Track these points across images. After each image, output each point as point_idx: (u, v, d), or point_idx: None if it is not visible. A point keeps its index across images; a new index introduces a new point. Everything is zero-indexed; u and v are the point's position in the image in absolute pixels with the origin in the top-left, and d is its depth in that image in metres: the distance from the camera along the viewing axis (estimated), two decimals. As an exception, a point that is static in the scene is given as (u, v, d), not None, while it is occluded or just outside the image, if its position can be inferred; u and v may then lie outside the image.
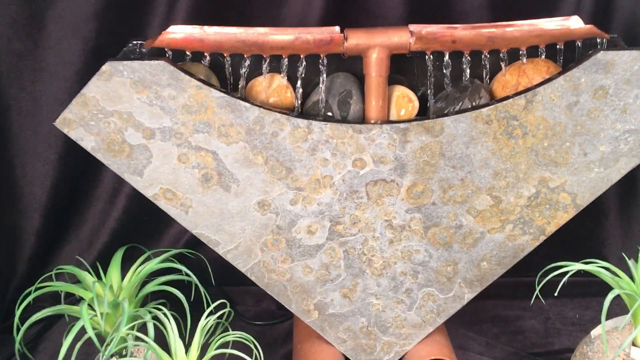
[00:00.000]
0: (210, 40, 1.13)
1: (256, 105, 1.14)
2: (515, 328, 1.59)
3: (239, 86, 1.20)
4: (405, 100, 1.24)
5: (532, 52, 1.20)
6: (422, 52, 1.19)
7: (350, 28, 1.18)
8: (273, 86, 1.24)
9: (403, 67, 1.30)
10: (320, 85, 1.20)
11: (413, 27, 1.19)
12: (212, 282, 1.48)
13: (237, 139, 1.16)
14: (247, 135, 1.16)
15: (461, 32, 1.15)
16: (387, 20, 1.45)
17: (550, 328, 1.59)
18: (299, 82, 1.21)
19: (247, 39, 1.14)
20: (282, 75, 1.20)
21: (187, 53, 1.16)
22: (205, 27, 1.18)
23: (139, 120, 1.14)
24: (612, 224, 1.69)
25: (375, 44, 1.16)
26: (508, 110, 1.16)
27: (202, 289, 1.24)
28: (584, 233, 1.69)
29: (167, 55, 1.18)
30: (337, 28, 1.21)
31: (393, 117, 1.24)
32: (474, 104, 1.20)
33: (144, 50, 1.18)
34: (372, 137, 1.17)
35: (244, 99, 1.15)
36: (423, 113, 1.28)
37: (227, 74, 1.20)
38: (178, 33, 1.13)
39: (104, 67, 1.10)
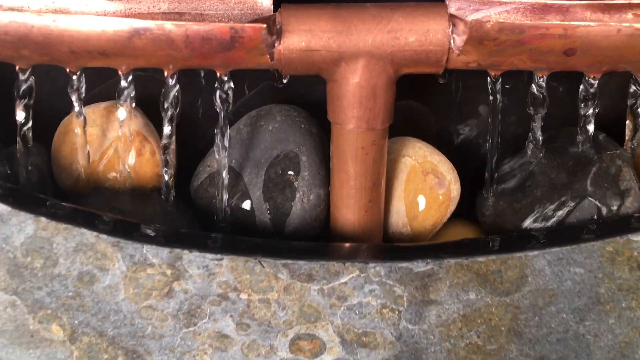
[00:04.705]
0: None
1: (32, 210, 0.43)
2: None
3: (21, 137, 0.49)
4: (429, 180, 0.52)
5: None
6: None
7: (293, 4, 0.45)
8: (109, 136, 0.52)
9: (423, 80, 0.58)
10: (218, 142, 0.49)
11: (458, 3, 0.47)
12: None
13: (-11, 285, 0.46)
14: (12, 279, 0.45)
15: (591, 28, 0.43)
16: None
17: None
18: (167, 127, 0.49)
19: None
20: (126, 108, 0.48)
21: None
22: None
23: None
24: None
25: (359, 50, 0.44)
26: (700, 239, 0.44)
27: None
28: None
29: None
30: (265, 2, 0.48)
31: (399, 220, 0.52)
32: (606, 208, 0.48)
33: None
34: (343, 290, 0.46)
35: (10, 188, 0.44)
36: (468, 201, 0.56)
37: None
38: None
39: None
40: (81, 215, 0.44)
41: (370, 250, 0.46)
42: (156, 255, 0.44)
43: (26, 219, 0.43)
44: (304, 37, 0.44)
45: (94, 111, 0.53)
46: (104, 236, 0.43)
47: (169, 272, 0.45)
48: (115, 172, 0.52)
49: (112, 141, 0.51)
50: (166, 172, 0.51)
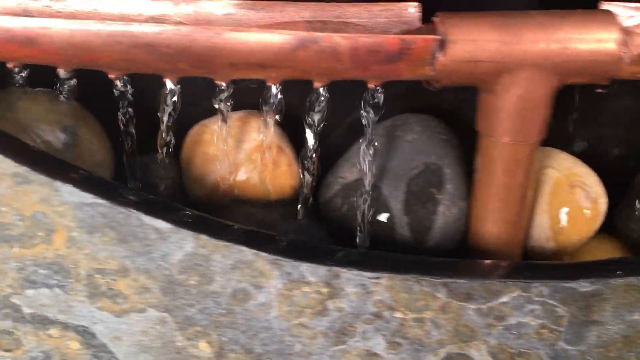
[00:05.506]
0: (55, 43, 0.40)
1: (193, 227, 0.42)
2: None
3: (160, 147, 0.48)
4: (576, 193, 0.50)
5: None
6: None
7: (451, 12, 0.44)
8: (245, 147, 0.51)
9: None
10: (364, 148, 0.47)
11: (614, 10, 0.44)
12: None
13: (141, 302, 0.45)
14: (165, 296, 0.44)
15: None
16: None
17: None
18: (310, 137, 0.48)
19: (162, 42, 0.41)
20: (267, 116, 0.47)
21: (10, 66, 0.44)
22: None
23: None
24: None
25: (525, 61, 0.42)
26: None
27: None
28: None
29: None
30: (412, 9, 0.46)
31: (542, 234, 0.51)
32: None
33: None
34: (502, 310, 0.44)
35: (159, 203, 0.43)
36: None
37: (122, 116, 0.47)
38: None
39: None
40: (241, 233, 0.42)
41: (533, 269, 0.44)
42: (314, 273, 0.43)
43: (186, 237, 0.42)
44: (469, 48, 0.42)
45: (226, 122, 0.51)
46: (264, 254, 0.42)
47: (324, 290, 0.44)
48: (251, 183, 0.51)
49: (248, 152, 0.50)
50: (306, 184, 0.50)
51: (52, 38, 0.40)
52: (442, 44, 0.42)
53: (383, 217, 0.50)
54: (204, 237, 0.42)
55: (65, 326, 0.45)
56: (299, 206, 0.52)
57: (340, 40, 0.40)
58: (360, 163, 0.48)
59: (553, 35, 0.42)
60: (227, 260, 0.43)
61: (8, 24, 0.40)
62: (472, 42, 0.42)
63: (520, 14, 0.43)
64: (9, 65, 0.43)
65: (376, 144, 0.47)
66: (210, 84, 0.47)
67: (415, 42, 0.40)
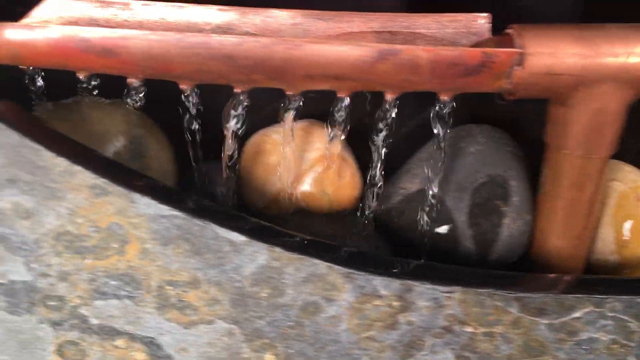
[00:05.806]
0: (133, 53, 0.40)
1: (268, 240, 0.42)
2: None
3: (225, 156, 0.47)
4: (640, 208, 0.50)
5: None
6: None
7: (524, 24, 0.43)
8: (308, 157, 0.51)
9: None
10: (433, 165, 0.47)
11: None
12: None
13: (210, 314, 0.44)
14: (234, 308, 0.44)
15: None
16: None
17: None
18: (378, 149, 0.48)
19: (240, 54, 0.40)
20: (333, 128, 0.47)
21: (80, 75, 0.43)
22: (132, 8, 0.45)
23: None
24: None
25: (604, 74, 0.42)
26: None
27: None
28: None
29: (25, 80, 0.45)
30: (482, 20, 0.46)
31: (606, 247, 0.50)
32: None
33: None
34: (574, 325, 0.44)
35: (234, 215, 0.42)
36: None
37: (187, 125, 0.47)
38: (39, 28, 0.40)
39: None
40: (315, 245, 0.42)
41: (606, 284, 0.44)
42: (387, 286, 0.43)
43: (260, 249, 0.41)
44: (547, 61, 0.41)
45: (291, 131, 0.51)
46: (337, 267, 0.42)
47: (396, 303, 0.43)
48: (314, 194, 0.50)
49: (312, 162, 0.50)
50: (370, 195, 0.49)
51: (130, 49, 0.39)
52: (520, 57, 0.42)
53: (448, 230, 0.50)
54: (277, 250, 0.41)
55: (132, 337, 0.45)
56: (362, 218, 0.51)
57: (421, 52, 0.40)
58: (430, 176, 0.47)
59: (632, 48, 0.41)
60: (300, 273, 0.42)
61: (85, 34, 0.40)
62: (550, 55, 0.41)
63: (598, 27, 0.42)
64: (80, 75, 0.43)
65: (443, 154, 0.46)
66: (267, 93, 0.47)
67: (497, 55, 0.40)
